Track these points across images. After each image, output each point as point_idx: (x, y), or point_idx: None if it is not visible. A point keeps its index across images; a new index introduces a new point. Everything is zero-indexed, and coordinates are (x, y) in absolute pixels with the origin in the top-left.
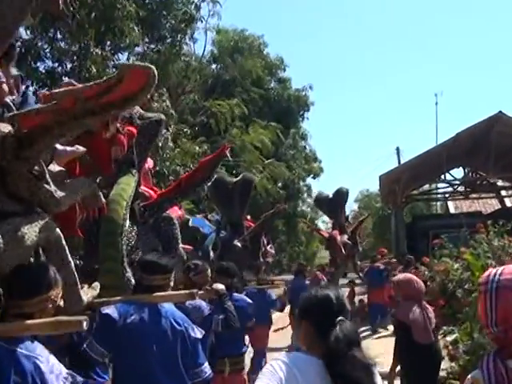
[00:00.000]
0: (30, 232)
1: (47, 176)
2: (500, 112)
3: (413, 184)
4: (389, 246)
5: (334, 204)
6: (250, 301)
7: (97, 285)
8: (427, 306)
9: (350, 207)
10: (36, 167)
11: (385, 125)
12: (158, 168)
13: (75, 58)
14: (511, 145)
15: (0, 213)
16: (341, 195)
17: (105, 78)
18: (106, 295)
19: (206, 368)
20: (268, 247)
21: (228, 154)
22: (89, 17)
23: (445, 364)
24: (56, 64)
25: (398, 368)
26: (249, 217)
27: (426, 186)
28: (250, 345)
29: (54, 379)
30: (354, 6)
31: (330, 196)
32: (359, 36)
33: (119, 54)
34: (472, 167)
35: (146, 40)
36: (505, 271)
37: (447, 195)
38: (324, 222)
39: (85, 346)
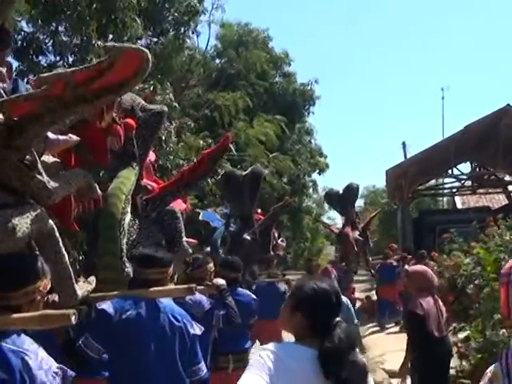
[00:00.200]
0: (22, 223)
1: (39, 166)
2: (508, 105)
3: (420, 179)
4: (395, 241)
5: (344, 200)
6: (254, 296)
7: (93, 279)
8: (438, 299)
9: (356, 203)
10: (27, 156)
11: (391, 119)
12: (161, 162)
13: (77, 50)
14: None
15: None
16: (351, 191)
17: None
18: (105, 290)
19: (204, 366)
20: (279, 240)
21: (232, 147)
22: (90, 8)
23: (454, 362)
24: (58, 58)
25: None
26: (259, 210)
27: (433, 181)
28: (262, 340)
29: (43, 375)
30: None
31: (340, 192)
32: (365, 30)
33: None
34: (480, 162)
35: (149, 33)
36: None
37: (454, 190)
38: (329, 219)
39: (80, 342)
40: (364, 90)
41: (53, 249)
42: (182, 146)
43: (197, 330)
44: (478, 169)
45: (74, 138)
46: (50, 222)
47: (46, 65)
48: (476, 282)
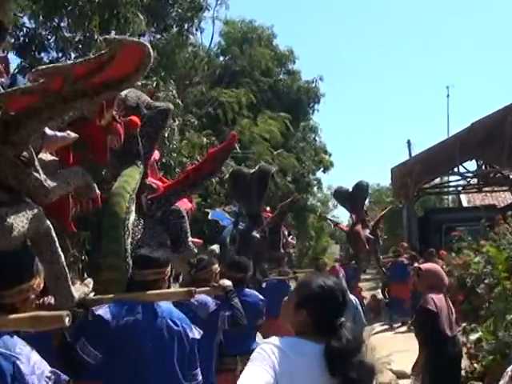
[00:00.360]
0: (17, 222)
1: (36, 163)
2: None
3: (425, 177)
4: (400, 240)
5: (354, 198)
6: (261, 297)
7: (90, 281)
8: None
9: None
10: (24, 153)
11: (395, 118)
12: (164, 160)
13: (79, 47)
14: None
15: None
16: (361, 189)
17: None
18: (108, 291)
19: (199, 373)
20: (289, 238)
21: (236, 145)
22: (91, 3)
23: (463, 363)
24: (60, 54)
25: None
26: (268, 208)
27: (438, 180)
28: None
29: (35, 380)
30: None
31: (350, 190)
32: (370, 28)
33: None
34: (485, 160)
35: (153, 29)
36: None
37: (460, 188)
38: (334, 217)
39: (77, 347)
40: (369, 87)
41: (49, 249)
42: (186, 144)
43: (196, 334)
44: (483, 167)
45: (73, 134)
46: (47, 221)
47: (48, 61)
48: (486, 281)
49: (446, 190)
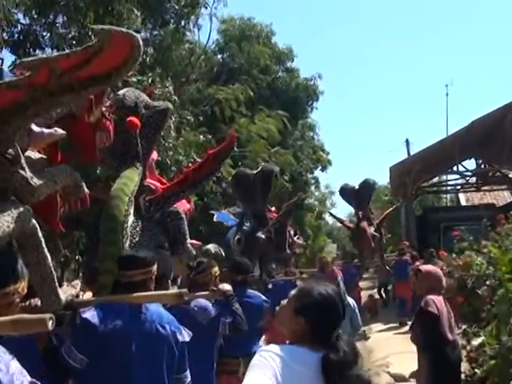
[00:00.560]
0: (2, 222)
1: (22, 161)
2: None
3: (424, 176)
4: (398, 239)
5: (360, 195)
6: (265, 298)
7: (77, 283)
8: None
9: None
10: (10, 150)
11: (394, 116)
12: (160, 158)
13: (74, 43)
14: None
15: None
16: (367, 187)
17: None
18: (105, 295)
19: (188, 374)
20: (295, 238)
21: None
22: None
23: (463, 366)
24: (55, 51)
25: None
26: (273, 208)
27: (436, 179)
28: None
29: None
30: None
31: (356, 187)
32: (369, 26)
33: None
34: (485, 158)
35: (150, 25)
36: None
37: (458, 187)
38: (332, 216)
39: (62, 350)
40: (368, 86)
41: (35, 249)
42: (182, 142)
43: (185, 336)
44: (482, 165)
45: (60, 131)
46: (33, 221)
47: None
48: (488, 282)
49: (444, 188)
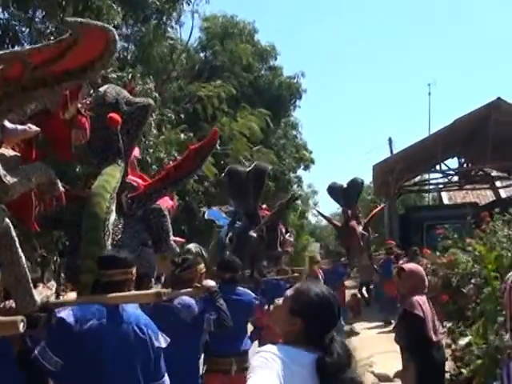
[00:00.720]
0: None
1: None
2: (499, 98)
3: (406, 174)
4: (382, 238)
5: (348, 194)
6: (254, 295)
7: (53, 284)
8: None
9: None
10: None
11: (377, 115)
12: (140, 156)
13: (53, 38)
14: (509, 134)
15: None
16: (356, 185)
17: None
18: (86, 294)
19: (167, 381)
20: (287, 236)
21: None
22: None
23: (447, 366)
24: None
25: (396, 370)
26: (264, 206)
27: (419, 177)
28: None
29: None
30: None
31: (345, 186)
32: (352, 25)
33: None
34: (467, 157)
35: (130, 22)
36: None
37: (441, 186)
38: (314, 215)
39: (36, 352)
40: (351, 84)
41: (8, 249)
42: (163, 140)
43: (162, 342)
44: (465, 164)
45: (34, 128)
46: (6, 220)
47: None
48: (473, 280)
49: (427, 187)
